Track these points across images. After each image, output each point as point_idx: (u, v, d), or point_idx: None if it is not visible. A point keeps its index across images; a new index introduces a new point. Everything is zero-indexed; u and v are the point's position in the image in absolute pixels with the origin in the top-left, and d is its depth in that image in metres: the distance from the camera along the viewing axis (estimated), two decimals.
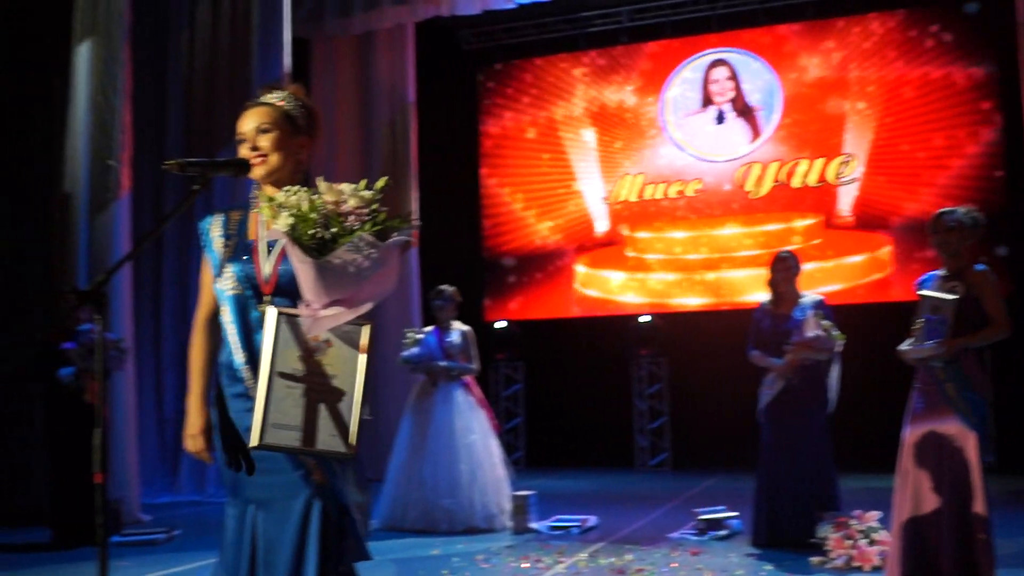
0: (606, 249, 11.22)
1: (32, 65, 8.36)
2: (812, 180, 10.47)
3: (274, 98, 2.68)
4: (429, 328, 7.19)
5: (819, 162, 10.45)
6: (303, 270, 2.35)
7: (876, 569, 4.94)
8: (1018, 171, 9.74)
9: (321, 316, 2.36)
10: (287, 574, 2.44)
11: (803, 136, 10.57)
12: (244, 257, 2.59)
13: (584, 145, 11.37)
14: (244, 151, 2.62)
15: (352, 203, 2.37)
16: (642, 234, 11.09)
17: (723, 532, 6.19)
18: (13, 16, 8.30)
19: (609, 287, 11.20)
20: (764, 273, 6.09)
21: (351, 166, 10.32)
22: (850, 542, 5.10)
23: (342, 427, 2.38)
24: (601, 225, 11.25)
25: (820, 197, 10.44)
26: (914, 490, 4.35)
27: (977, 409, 4.28)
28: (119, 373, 7.28)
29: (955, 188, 9.83)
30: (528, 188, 11.57)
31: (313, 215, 2.34)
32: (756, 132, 10.75)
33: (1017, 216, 9.66)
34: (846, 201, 10.35)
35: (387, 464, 7.11)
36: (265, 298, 2.55)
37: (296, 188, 2.41)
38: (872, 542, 5.08)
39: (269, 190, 2.59)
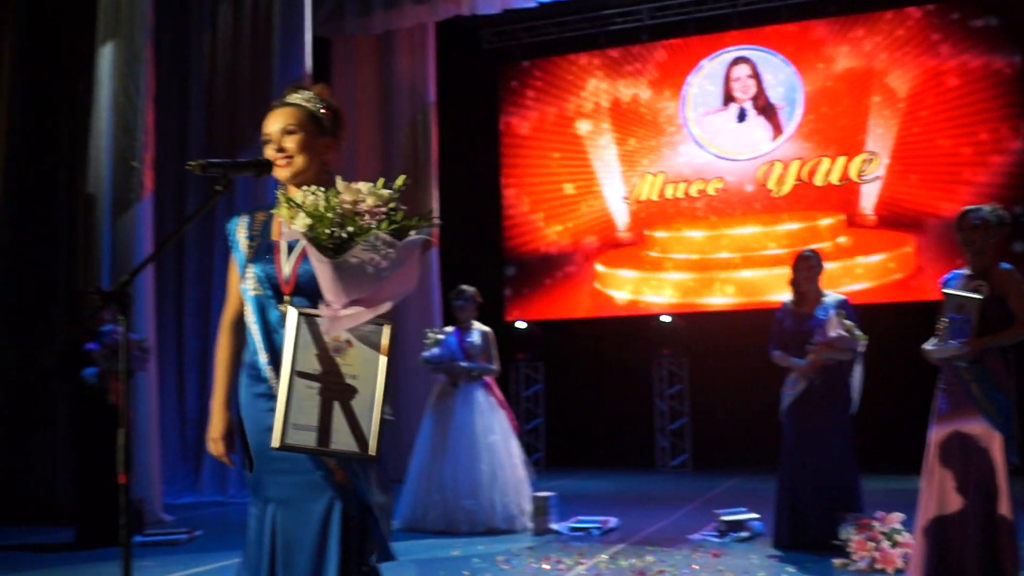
0: (626, 249, 11.19)
1: (56, 67, 8.42)
2: (835, 178, 10.40)
3: (300, 98, 2.67)
4: (450, 328, 7.19)
5: (841, 160, 10.39)
6: (322, 270, 2.35)
7: (899, 571, 4.90)
8: None
9: (341, 316, 2.36)
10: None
11: (825, 134, 10.50)
12: (266, 257, 2.60)
13: (604, 144, 11.34)
14: (269, 152, 2.62)
15: (370, 202, 2.36)
16: (663, 233, 11.06)
17: (744, 533, 6.16)
18: (37, 18, 8.36)
19: (629, 287, 11.17)
20: (786, 272, 6.05)
21: (372, 166, 10.34)
22: (873, 544, 5.06)
23: (364, 428, 2.38)
24: (621, 224, 11.22)
25: (843, 195, 10.37)
26: (939, 491, 4.32)
27: (1002, 409, 4.24)
28: (141, 373, 7.31)
29: (981, 185, 9.74)
30: (548, 187, 11.55)
31: (330, 214, 2.34)
32: (778, 130, 10.69)
33: None
34: (869, 199, 10.27)
35: (408, 465, 7.11)
36: (285, 298, 2.55)
37: (314, 188, 2.41)
38: (895, 544, 5.04)
39: (293, 191, 2.59)
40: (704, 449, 10.87)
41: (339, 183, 2.40)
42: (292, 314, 2.41)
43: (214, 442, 2.69)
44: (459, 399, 6.93)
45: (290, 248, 2.58)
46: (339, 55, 10.71)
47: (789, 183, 10.58)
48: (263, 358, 2.56)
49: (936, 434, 4.36)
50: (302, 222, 2.34)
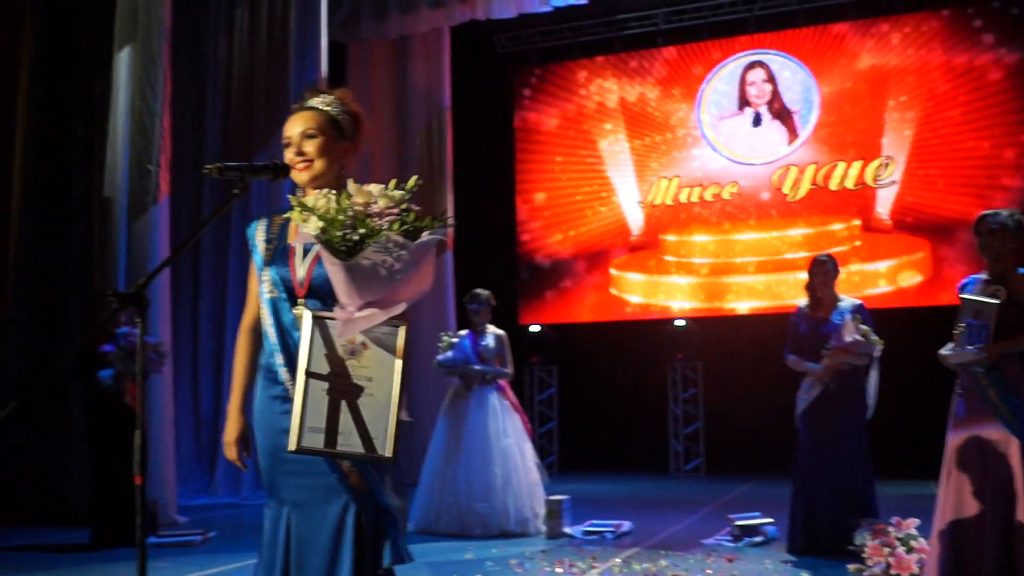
0: (641, 253, 11.18)
1: (73, 71, 8.48)
2: (850, 183, 10.36)
3: (320, 102, 2.68)
4: (464, 332, 7.20)
5: (857, 164, 10.35)
6: (335, 272, 2.36)
7: None
8: None
9: (355, 318, 2.37)
10: None
11: (841, 138, 10.47)
12: (282, 260, 2.61)
13: (619, 148, 11.33)
14: (289, 155, 2.63)
15: (381, 203, 2.37)
16: (677, 238, 11.04)
17: (759, 538, 6.14)
18: (55, 23, 8.42)
19: (644, 291, 11.15)
20: (802, 277, 6.03)
21: (387, 170, 10.35)
22: (888, 550, 5.03)
23: (380, 430, 2.38)
24: (636, 229, 11.21)
25: (858, 200, 10.33)
26: (956, 496, 4.29)
27: (1020, 415, 4.20)
28: (156, 375, 7.34)
29: (996, 189, 9.69)
30: (563, 191, 11.55)
31: (341, 217, 2.34)
32: (793, 134, 10.66)
33: None
34: (885, 204, 10.23)
35: (421, 468, 7.12)
36: (300, 301, 2.56)
37: (325, 191, 2.42)
38: (910, 550, 5.00)
39: (311, 195, 2.59)
40: (718, 453, 10.84)
41: (351, 185, 2.41)
42: (307, 318, 2.42)
43: (227, 446, 2.71)
44: (473, 402, 6.94)
45: (305, 251, 2.58)
46: (355, 59, 10.73)
47: (804, 188, 10.55)
48: (279, 360, 2.57)
49: (953, 439, 4.34)
50: (314, 225, 2.35)
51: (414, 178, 2.45)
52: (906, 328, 8.31)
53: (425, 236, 2.38)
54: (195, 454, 8.98)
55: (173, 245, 7.83)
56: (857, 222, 10.33)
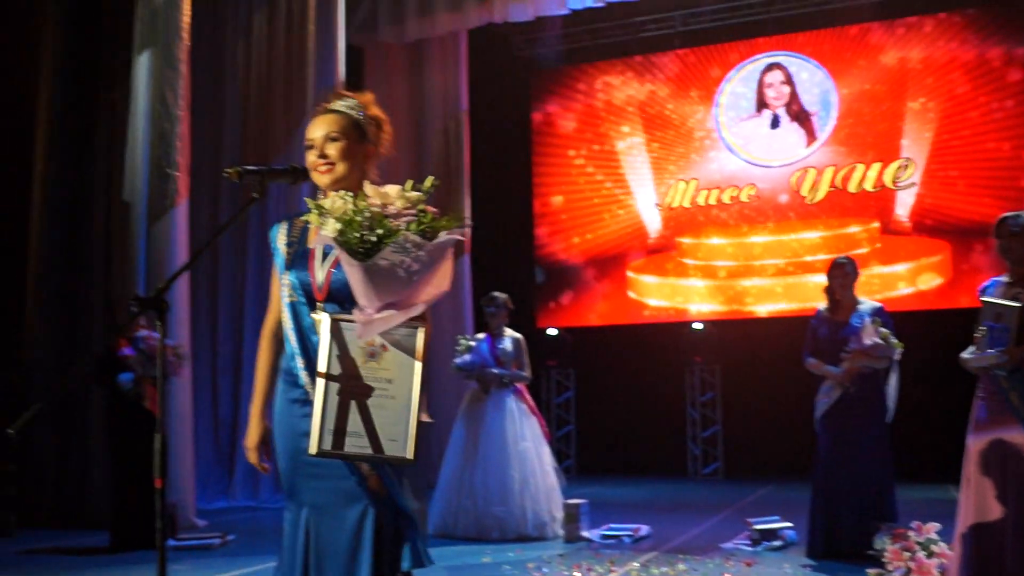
0: (658, 255, 11.15)
1: (93, 76, 8.53)
2: (869, 185, 10.31)
3: (344, 106, 2.68)
4: (481, 335, 7.20)
5: (876, 166, 10.29)
6: (353, 274, 2.36)
7: None
8: None
9: (374, 319, 2.37)
10: None
11: (860, 140, 10.42)
12: (301, 264, 2.62)
13: (637, 151, 11.32)
14: (311, 157, 2.63)
15: (398, 204, 2.37)
16: (695, 240, 11.01)
17: (777, 543, 6.11)
18: (75, 28, 8.48)
19: (661, 294, 11.12)
20: (820, 280, 6.01)
21: (404, 174, 10.19)
22: (908, 554, 5.00)
23: (400, 432, 2.38)
24: (653, 231, 11.19)
25: (877, 202, 10.28)
26: (977, 499, 4.26)
27: None
28: (175, 378, 7.37)
29: (1017, 191, 9.62)
30: (581, 194, 11.54)
31: (358, 218, 2.35)
32: (812, 136, 10.62)
33: None
34: (904, 206, 10.17)
35: (439, 472, 7.12)
36: (318, 305, 2.56)
37: (342, 193, 2.42)
38: (931, 554, 4.97)
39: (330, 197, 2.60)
40: (736, 457, 10.80)
41: (367, 187, 2.42)
42: (326, 321, 2.42)
43: (248, 451, 2.72)
44: (490, 406, 6.94)
45: (324, 255, 2.59)
46: (372, 63, 10.76)
47: (823, 190, 10.50)
48: (299, 364, 2.58)
49: (975, 443, 4.30)
50: (332, 227, 2.36)
51: (430, 179, 2.45)
52: (926, 331, 8.25)
53: (443, 236, 2.39)
54: (214, 457, 9.02)
55: (192, 249, 7.87)
56: (876, 224, 10.27)
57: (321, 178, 2.62)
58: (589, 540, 6.52)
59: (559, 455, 9.98)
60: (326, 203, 2.41)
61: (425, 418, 2.44)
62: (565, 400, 11.61)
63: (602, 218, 11.41)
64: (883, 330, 5.55)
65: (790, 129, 10.72)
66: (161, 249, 7.75)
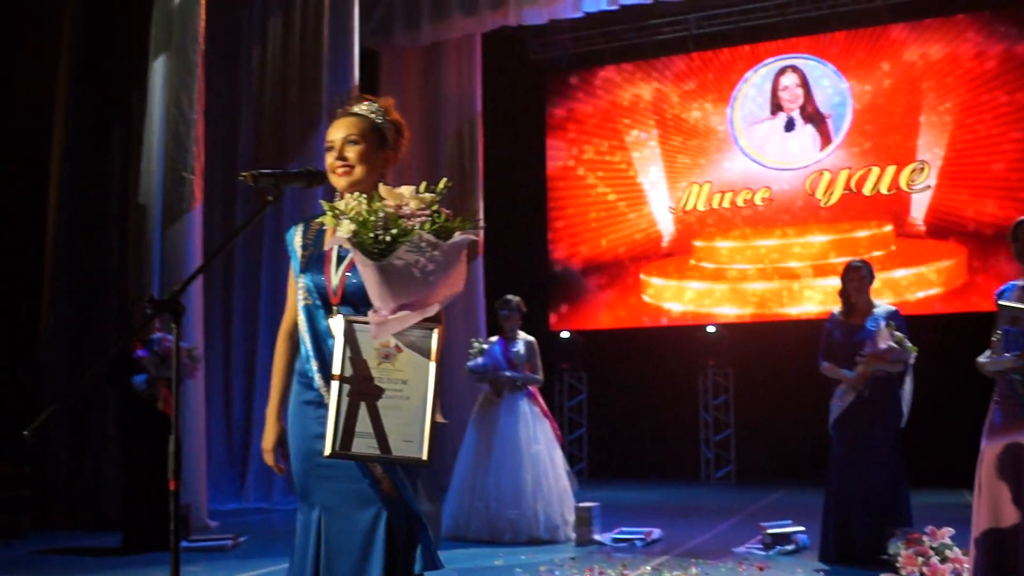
0: (672, 258, 11.14)
1: (109, 80, 8.58)
2: (884, 188, 10.27)
3: (365, 110, 2.69)
4: (494, 338, 7.20)
5: (891, 169, 10.25)
6: (368, 274, 2.37)
7: None
8: None
9: (389, 320, 2.38)
10: None
11: (875, 143, 10.38)
12: (317, 267, 2.63)
13: (651, 154, 11.31)
14: (330, 159, 2.64)
15: (413, 205, 2.38)
16: (709, 243, 10.99)
17: (790, 547, 6.09)
18: (92, 33, 8.53)
19: (675, 297, 11.11)
20: (835, 283, 5.98)
21: (418, 176, 10.28)
22: (922, 559, 4.98)
23: (415, 433, 2.38)
24: (667, 234, 11.17)
25: (892, 205, 10.24)
26: (992, 504, 4.24)
27: None
28: (189, 380, 7.40)
29: None
30: (594, 197, 11.54)
31: (373, 219, 2.35)
32: (826, 139, 10.59)
33: None
34: (919, 209, 10.13)
35: (451, 474, 7.13)
36: (333, 308, 2.57)
37: (356, 194, 2.43)
38: (945, 559, 4.95)
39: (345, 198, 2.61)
40: (749, 461, 10.77)
41: (382, 188, 2.43)
42: (340, 323, 2.43)
43: (265, 453, 2.73)
44: (503, 409, 6.94)
45: (340, 258, 2.60)
46: (387, 66, 10.79)
47: (837, 193, 10.47)
48: (313, 366, 2.59)
49: (990, 447, 4.28)
50: (346, 228, 2.36)
51: (444, 180, 2.46)
52: (941, 335, 8.22)
53: (457, 236, 2.39)
54: (227, 459, 9.05)
55: (206, 251, 7.90)
56: (890, 228, 10.23)
57: (339, 180, 2.63)
58: (601, 543, 6.50)
59: (571, 458, 9.97)
60: (340, 204, 2.42)
61: (439, 419, 2.45)
62: (577, 403, 11.60)
63: (616, 221, 11.40)
64: (898, 334, 5.52)
65: (805, 132, 10.69)
66: (176, 252, 7.79)
